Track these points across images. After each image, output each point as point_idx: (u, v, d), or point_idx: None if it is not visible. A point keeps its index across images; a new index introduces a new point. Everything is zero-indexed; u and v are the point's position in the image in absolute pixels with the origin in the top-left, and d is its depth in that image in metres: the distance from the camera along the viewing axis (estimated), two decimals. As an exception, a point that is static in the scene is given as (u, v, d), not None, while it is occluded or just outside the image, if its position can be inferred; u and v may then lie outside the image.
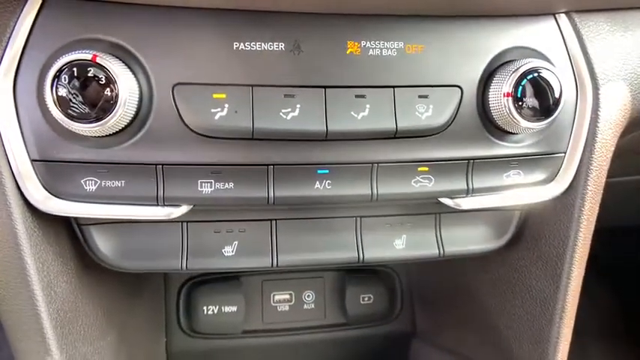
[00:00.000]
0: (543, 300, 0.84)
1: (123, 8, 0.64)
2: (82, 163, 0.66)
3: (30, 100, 0.63)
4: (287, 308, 1.23)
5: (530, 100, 0.68)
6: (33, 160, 0.65)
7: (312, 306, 1.23)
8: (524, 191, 0.77)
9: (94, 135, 0.63)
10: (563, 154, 0.77)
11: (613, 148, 0.80)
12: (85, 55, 0.60)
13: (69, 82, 0.59)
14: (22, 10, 0.63)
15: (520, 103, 0.68)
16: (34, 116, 0.63)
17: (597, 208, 0.81)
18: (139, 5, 0.64)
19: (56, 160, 0.65)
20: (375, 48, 0.68)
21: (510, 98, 0.68)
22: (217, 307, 1.16)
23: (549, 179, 0.78)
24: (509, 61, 0.71)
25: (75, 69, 0.60)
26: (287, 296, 1.23)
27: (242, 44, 0.65)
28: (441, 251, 0.81)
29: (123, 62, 0.63)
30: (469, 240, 0.83)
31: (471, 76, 0.71)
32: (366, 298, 1.23)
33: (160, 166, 0.67)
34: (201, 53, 0.65)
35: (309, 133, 0.67)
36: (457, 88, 0.70)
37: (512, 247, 0.87)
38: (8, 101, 0.63)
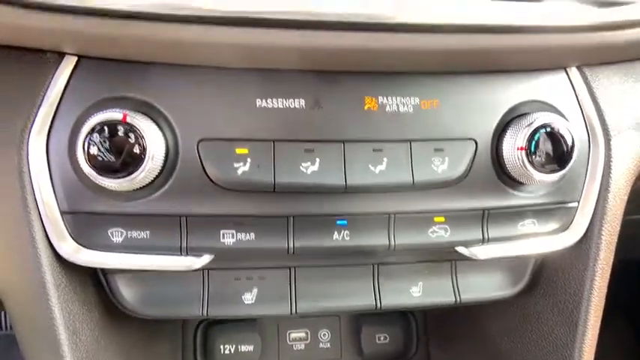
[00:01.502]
0: (560, 347, 0.84)
1: (150, 67, 0.67)
2: (110, 215, 0.68)
3: (62, 155, 0.66)
4: (303, 347, 1.23)
5: (544, 154, 0.70)
6: (63, 213, 0.68)
7: (328, 345, 1.23)
8: (538, 240, 0.78)
9: (123, 190, 0.65)
10: (577, 204, 0.78)
11: (626, 197, 0.81)
12: (116, 115, 0.63)
13: (100, 140, 0.62)
14: (56, 69, 0.66)
15: (533, 157, 0.70)
16: (65, 171, 0.66)
17: (612, 256, 0.82)
18: (166, 64, 0.68)
19: (85, 212, 0.68)
20: (392, 103, 0.70)
21: (524, 152, 0.70)
22: (234, 347, 1.16)
23: (563, 228, 0.79)
24: (523, 115, 0.73)
25: (106, 128, 0.62)
26: (303, 334, 1.24)
27: (264, 101, 0.68)
28: (457, 299, 0.82)
29: (150, 118, 0.66)
30: (485, 287, 0.84)
31: (485, 129, 0.73)
32: (382, 338, 1.22)
33: (184, 217, 0.69)
34: (225, 109, 0.68)
35: (329, 187, 0.69)
36: (472, 141, 0.72)
37: (527, 293, 0.88)
38: (41, 156, 0.66)
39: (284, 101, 0.68)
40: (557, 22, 0.65)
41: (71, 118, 0.66)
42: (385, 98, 0.70)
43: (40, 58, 0.66)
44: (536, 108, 0.74)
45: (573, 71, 0.77)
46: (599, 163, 0.78)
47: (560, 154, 0.71)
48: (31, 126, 0.66)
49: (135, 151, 0.63)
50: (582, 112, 0.77)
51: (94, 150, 0.62)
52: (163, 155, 0.66)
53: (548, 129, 0.70)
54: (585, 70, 0.78)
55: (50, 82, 0.66)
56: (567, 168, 0.71)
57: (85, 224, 0.69)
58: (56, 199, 0.67)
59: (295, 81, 0.69)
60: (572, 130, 0.71)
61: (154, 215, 0.69)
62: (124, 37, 0.61)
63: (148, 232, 0.70)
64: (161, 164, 0.66)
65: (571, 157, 0.71)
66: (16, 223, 0.68)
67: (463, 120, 0.72)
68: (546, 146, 0.70)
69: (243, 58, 0.66)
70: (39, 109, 0.66)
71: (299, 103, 0.69)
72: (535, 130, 0.70)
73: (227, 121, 0.68)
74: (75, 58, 0.66)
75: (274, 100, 0.68)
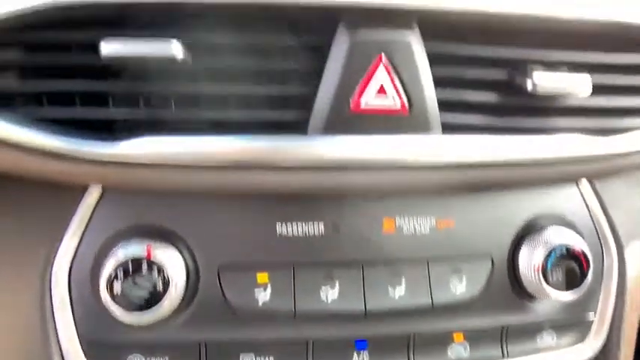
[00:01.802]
0: None
1: (172, 196, 0.68)
2: (130, 343, 0.68)
3: (84, 284, 0.67)
4: None
5: (560, 273, 0.71)
6: (82, 341, 0.67)
7: None
8: (557, 353, 0.78)
9: (145, 323, 0.65)
10: (594, 315, 0.79)
11: (641, 304, 0.82)
12: (140, 251, 0.63)
13: (123, 277, 0.63)
14: (81, 199, 0.67)
15: (550, 276, 0.71)
16: (86, 300, 0.67)
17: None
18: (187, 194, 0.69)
19: (104, 340, 0.68)
20: (409, 225, 0.72)
21: (540, 271, 0.71)
22: None
23: (581, 339, 0.79)
24: (537, 231, 0.74)
25: (130, 262, 0.63)
26: None
27: (283, 226, 0.69)
28: (478, 412, 0.81)
29: (172, 245, 0.66)
30: (505, 398, 0.83)
31: (500, 245, 0.74)
32: None
33: (204, 344, 0.69)
34: (246, 235, 0.68)
35: (349, 313, 0.69)
36: (488, 259, 0.73)
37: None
38: (63, 285, 0.67)
39: (303, 225, 0.70)
40: (569, 154, 0.68)
41: (94, 247, 0.67)
42: (402, 220, 0.71)
43: (65, 189, 0.67)
44: (549, 222, 0.75)
45: (583, 183, 0.79)
46: (613, 273, 0.79)
47: (576, 272, 0.71)
48: (55, 254, 0.67)
49: (158, 285, 0.63)
50: (594, 222, 0.79)
51: (116, 286, 0.63)
52: (185, 284, 0.66)
53: (564, 248, 0.71)
54: (595, 181, 0.80)
55: (75, 212, 0.67)
56: (584, 286, 0.72)
57: (104, 352, 0.68)
58: (76, 328, 0.67)
59: (314, 206, 0.70)
60: (586, 248, 0.72)
61: (174, 343, 0.68)
62: (153, 179, 0.63)
63: (167, 358, 0.69)
64: (182, 293, 0.66)
65: (587, 275, 0.72)
66: (33, 351, 0.68)
67: (479, 237, 0.73)
68: (562, 265, 0.71)
69: (264, 190, 0.68)
70: (63, 237, 0.67)
71: (318, 227, 0.70)
72: (550, 250, 0.71)
73: (247, 246, 0.68)
74: (99, 188, 0.68)
75: (294, 224, 0.69)
